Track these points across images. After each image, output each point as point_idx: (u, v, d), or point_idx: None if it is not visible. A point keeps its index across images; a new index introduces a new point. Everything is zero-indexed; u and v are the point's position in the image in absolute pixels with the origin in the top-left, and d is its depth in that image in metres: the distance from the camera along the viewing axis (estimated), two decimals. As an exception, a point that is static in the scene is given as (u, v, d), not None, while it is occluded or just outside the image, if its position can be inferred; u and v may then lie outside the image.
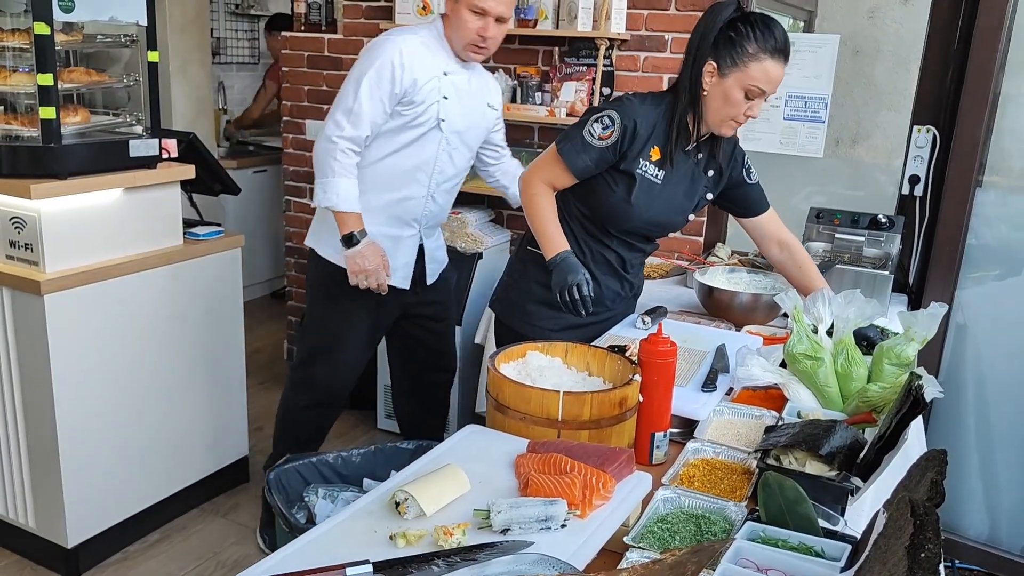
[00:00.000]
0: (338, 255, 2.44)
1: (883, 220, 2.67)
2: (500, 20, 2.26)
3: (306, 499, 2.21)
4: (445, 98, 2.32)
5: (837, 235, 2.72)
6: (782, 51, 1.83)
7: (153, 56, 2.52)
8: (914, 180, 2.80)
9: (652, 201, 1.99)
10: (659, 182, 1.98)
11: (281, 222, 4.29)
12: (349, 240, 2.33)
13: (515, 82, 3.38)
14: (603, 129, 1.92)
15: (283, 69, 3.94)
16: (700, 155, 2.03)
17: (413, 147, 2.38)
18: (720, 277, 2.45)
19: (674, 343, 1.53)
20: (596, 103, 3.15)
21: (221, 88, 5.35)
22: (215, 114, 4.90)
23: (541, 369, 1.58)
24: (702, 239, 3.21)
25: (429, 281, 2.62)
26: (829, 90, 2.92)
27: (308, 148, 3.96)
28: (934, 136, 2.75)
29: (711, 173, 2.07)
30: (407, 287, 2.53)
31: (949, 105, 2.70)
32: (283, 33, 3.95)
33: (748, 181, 2.15)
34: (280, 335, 4.44)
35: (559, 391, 1.40)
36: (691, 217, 2.12)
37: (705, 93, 1.90)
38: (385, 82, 2.26)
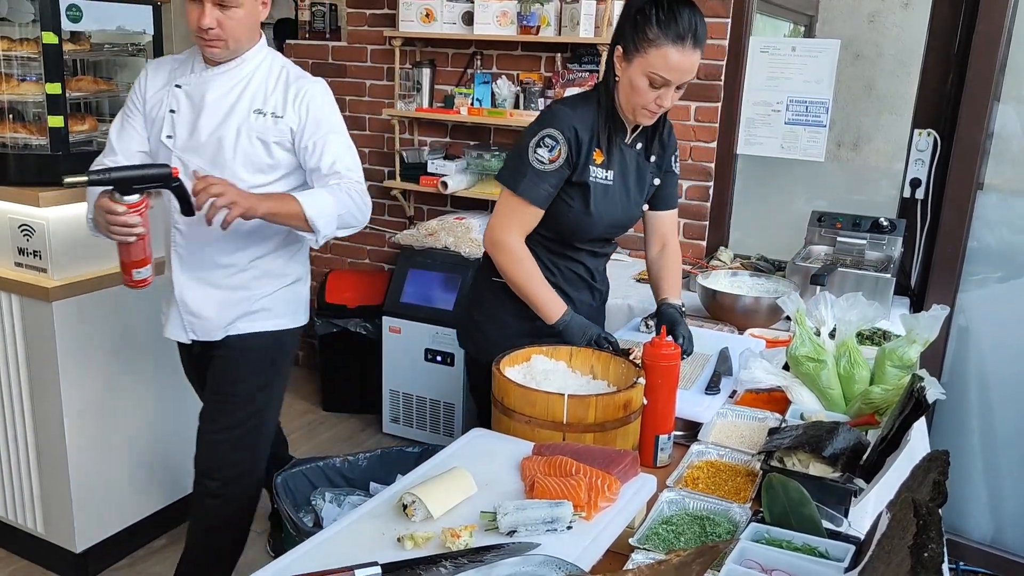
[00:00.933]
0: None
1: (884, 223, 2.69)
2: (221, 5, 1.87)
3: (313, 503, 2.23)
4: (172, 111, 1.98)
5: (839, 239, 2.74)
6: (684, 37, 1.72)
7: (159, 65, 2.55)
8: (915, 183, 2.82)
9: (609, 204, 1.92)
10: (611, 183, 1.90)
11: (285, 228, 4.31)
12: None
13: (518, 88, 3.40)
14: (549, 151, 1.82)
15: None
16: (639, 144, 1.96)
17: None
18: (723, 281, 2.47)
19: (678, 346, 1.55)
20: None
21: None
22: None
23: (546, 373, 1.59)
24: (704, 243, 3.22)
25: (187, 336, 2.10)
26: (830, 94, 2.94)
27: (312, 154, 3.98)
28: (935, 139, 2.76)
29: (653, 158, 2.00)
30: (186, 340, 2.12)
31: (950, 108, 2.72)
32: (288, 41, 3.98)
33: (674, 170, 2.08)
34: (285, 341, 4.46)
35: (564, 394, 1.42)
36: (645, 207, 2.06)
37: (617, 79, 1.83)
38: (130, 107, 2.05)
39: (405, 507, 1.19)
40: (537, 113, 3.26)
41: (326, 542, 1.14)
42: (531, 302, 1.88)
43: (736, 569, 1.08)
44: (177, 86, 1.98)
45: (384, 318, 3.42)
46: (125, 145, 2.02)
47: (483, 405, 2.04)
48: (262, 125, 1.96)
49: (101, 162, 2.03)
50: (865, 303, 1.71)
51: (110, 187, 1.72)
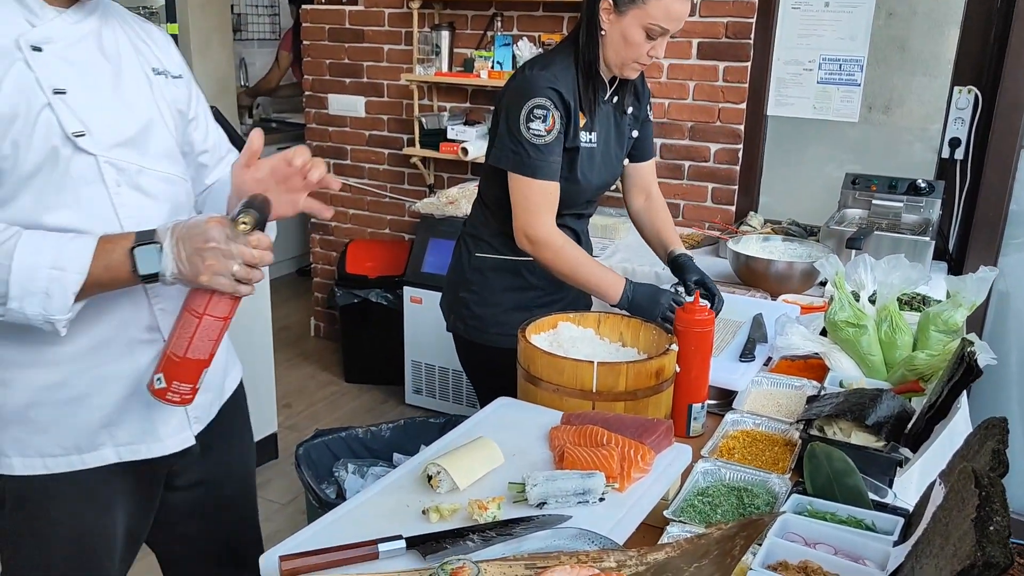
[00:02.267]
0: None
1: (922, 185, 2.59)
2: None
3: (336, 474, 2.20)
4: (59, 92, 1.12)
5: (874, 201, 2.64)
6: None
7: (172, 28, 2.50)
8: (955, 143, 2.71)
9: (594, 167, 1.84)
10: (595, 145, 1.82)
11: (305, 199, 4.27)
12: (144, 263, 1.10)
13: (539, 50, 3.31)
14: (543, 122, 1.71)
15: (304, 42, 3.89)
16: (616, 97, 1.86)
17: (58, 206, 1.13)
18: (754, 246, 2.39)
19: (711, 311, 1.49)
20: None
21: (243, 65, 5.31)
22: (237, 91, 4.87)
23: (573, 340, 1.54)
24: (734, 208, 3.14)
25: (192, 432, 1.34)
26: (865, 52, 2.83)
27: (331, 123, 3.92)
28: (976, 97, 2.65)
29: (631, 110, 1.90)
30: (191, 441, 1.33)
31: (992, 64, 2.60)
32: (304, 6, 3.90)
33: (649, 118, 1.99)
34: (307, 312, 4.44)
35: (593, 361, 1.36)
36: (626, 162, 1.98)
37: (603, 33, 1.72)
38: None
39: (430, 478, 1.15)
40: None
41: (349, 514, 1.10)
42: (587, 289, 1.78)
43: (779, 543, 1.03)
44: (36, 48, 1.12)
45: (405, 288, 3.38)
46: None
47: (483, 387, 1.97)
48: (172, 92, 1.31)
49: None
50: (908, 265, 1.64)
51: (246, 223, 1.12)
